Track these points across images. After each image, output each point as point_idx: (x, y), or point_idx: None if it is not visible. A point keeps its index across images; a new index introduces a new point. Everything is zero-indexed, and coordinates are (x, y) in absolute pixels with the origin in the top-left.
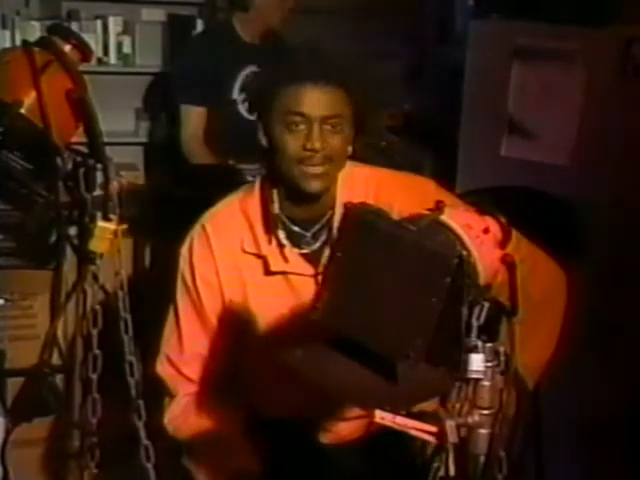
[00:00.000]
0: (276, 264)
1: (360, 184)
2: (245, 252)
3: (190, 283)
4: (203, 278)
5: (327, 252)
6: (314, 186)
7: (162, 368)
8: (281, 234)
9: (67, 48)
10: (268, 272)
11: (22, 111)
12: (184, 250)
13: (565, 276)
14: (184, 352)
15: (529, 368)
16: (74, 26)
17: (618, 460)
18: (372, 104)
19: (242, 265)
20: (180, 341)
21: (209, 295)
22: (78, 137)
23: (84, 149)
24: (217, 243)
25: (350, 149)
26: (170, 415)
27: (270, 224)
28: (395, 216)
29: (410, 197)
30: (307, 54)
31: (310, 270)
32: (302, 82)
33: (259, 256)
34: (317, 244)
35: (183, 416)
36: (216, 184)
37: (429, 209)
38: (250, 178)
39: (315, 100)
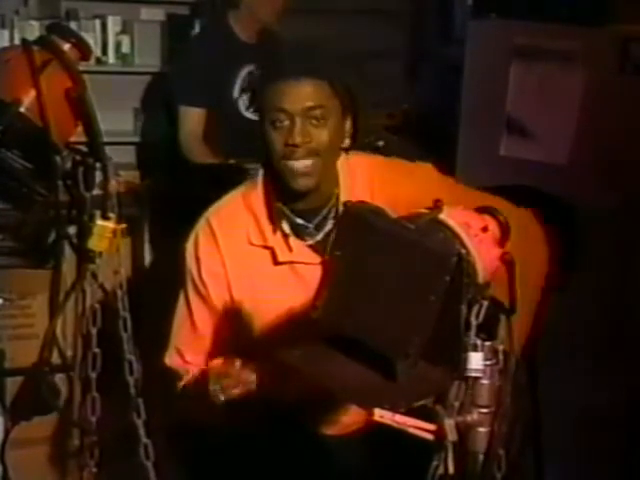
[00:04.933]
0: (283, 254)
1: (362, 173)
2: (252, 244)
3: (197, 277)
4: (209, 271)
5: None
6: (301, 183)
7: (171, 359)
8: (285, 226)
9: (66, 47)
10: (276, 262)
11: (21, 110)
12: (189, 245)
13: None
14: (193, 343)
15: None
16: (73, 25)
17: (618, 460)
18: (362, 98)
19: (249, 257)
20: (191, 332)
21: (216, 287)
22: (77, 136)
23: (83, 148)
24: (222, 236)
25: (347, 142)
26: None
27: (274, 217)
28: (402, 205)
29: (414, 184)
30: (293, 51)
31: (317, 259)
32: (285, 79)
33: (266, 247)
34: (321, 235)
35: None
36: (214, 183)
37: (428, 208)
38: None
39: (296, 94)
